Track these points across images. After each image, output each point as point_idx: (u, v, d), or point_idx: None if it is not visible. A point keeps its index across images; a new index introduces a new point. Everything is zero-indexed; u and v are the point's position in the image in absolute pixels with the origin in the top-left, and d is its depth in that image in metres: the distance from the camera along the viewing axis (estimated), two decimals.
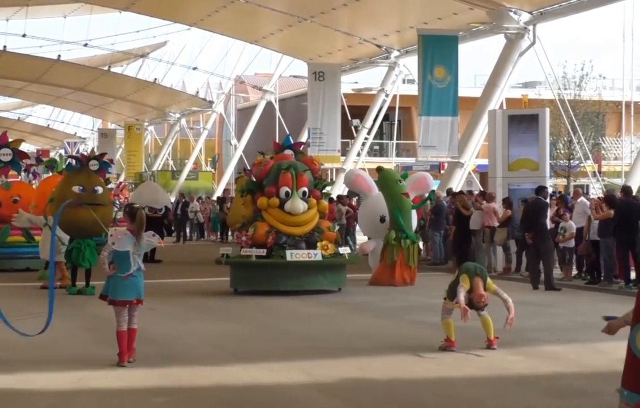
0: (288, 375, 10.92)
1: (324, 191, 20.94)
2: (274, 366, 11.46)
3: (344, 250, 20.40)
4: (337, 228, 21.36)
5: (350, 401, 9.58)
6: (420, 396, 9.85)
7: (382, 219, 22.37)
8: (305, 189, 19.88)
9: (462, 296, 11.98)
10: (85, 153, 23.86)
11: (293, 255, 19.18)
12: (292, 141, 23.08)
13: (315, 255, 19.38)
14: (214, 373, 10.98)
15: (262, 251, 19.27)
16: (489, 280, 12.33)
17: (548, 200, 22.31)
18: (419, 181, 23.76)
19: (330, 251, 19.64)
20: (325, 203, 20.71)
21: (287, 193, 19.63)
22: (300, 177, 19.83)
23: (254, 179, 20.56)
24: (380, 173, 22.38)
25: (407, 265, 21.40)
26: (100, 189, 19.86)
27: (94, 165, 20.46)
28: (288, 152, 21.30)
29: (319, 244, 19.62)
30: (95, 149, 65.87)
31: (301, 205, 19.68)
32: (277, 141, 27.11)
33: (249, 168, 28.74)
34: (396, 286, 20.91)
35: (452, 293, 12.32)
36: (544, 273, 20.62)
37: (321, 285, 19.57)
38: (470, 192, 27.71)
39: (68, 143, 79.29)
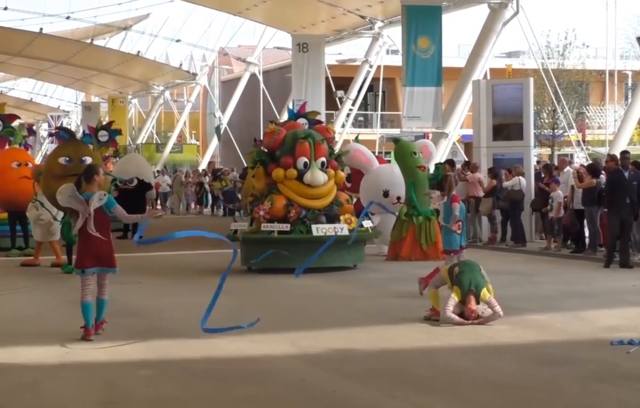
0: (275, 346, 10.94)
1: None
2: (261, 337, 11.47)
3: (367, 224, 19.32)
4: (354, 200, 20.08)
5: (336, 371, 9.61)
6: (406, 366, 9.88)
7: (386, 194, 21.38)
8: (324, 159, 18.73)
9: (452, 314, 11.92)
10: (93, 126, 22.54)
11: (319, 230, 17.94)
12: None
13: (342, 229, 18.18)
14: (201, 346, 10.98)
15: (286, 227, 18.12)
16: (484, 290, 12.01)
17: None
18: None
19: (353, 224, 18.42)
20: (342, 173, 19.48)
21: (305, 164, 18.44)
22: (318, 147, 18.66)
23: (265, 150, 19.20)
24: (397, 145, 21.63)
25: (418, 242, 20.56)
26: (87, 159, 19.09)
27: (103, 136, 20.04)
28: (301, 120, 20.04)
29: (341, 218, 18.60)
30: (79, 123, 65.74)
31: (321, 176, 18.52)
32: (262, 113, 26.58)
33: (260, 138, 27.12)
34: (404, 260, 20.22)
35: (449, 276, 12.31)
36: (622, 249, 18.94)
37: (343, 261, 18.45)
38: (452, 162, 27.65)
39: (51, 116, 78.88)
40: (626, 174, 18.94)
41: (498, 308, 11.99)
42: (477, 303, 12.03)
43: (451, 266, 12.51)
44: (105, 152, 23.87)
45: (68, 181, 17.83)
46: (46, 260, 19.79)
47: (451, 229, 14.92)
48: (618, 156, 20.52)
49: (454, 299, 12.02)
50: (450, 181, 15.65)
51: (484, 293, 12.03)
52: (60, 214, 19.17)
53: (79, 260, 11.47)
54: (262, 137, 27.65)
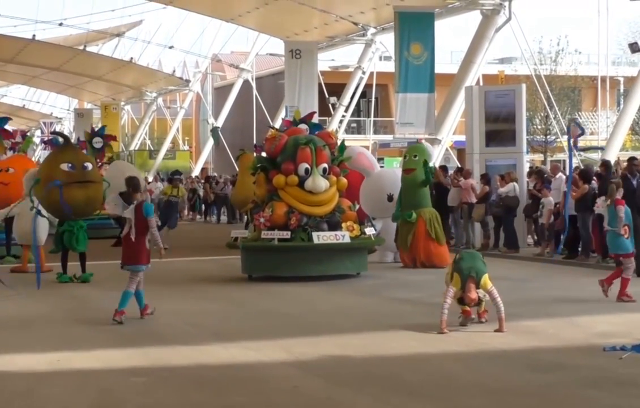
0: (268, 353, 10.93)
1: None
2: (254, 344, 11.47)
3: (370, 231, 18.95)
4: (357, 207, 19.66)
5: (329, 378, 9.61)
6: (399, 372, 9.89)
7: (390, 198, 21.18)
8: (325, 165, 18.35)
9: (445, 310, 11.87)
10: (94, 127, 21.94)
11: (320, 237, 17.70)
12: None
13: (343, 236, 17.93)
14: (194, 353, 10.98)
15: (286, 234, 17.81)
16: (485, 277, 12.01)
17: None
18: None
19: (355, 232, 18.24)
20: (344, 180, 18.97)
21: (306, 170, 18.09)
22: (319, 153, 18.30)
23: (266, 156, 18.85)
24: None
25: (399, 244, 20.69)
26: (89, 166, 18.76)
27: (97, 143, 19.80)
28: (302, 126, 19.57)
29: (343, 225, 18.23)
30: (72, 129, 65.67)
31: (323, 183, 18.14)
32: (255, 119, 26.40)
33: (259, 144, 26.72)
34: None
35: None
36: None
37: (345, 269, 18.21)
38: (445, 167, 27.71)
39: (44, 123, 78.77)
40: (634, 181, 18.43)
41: (499, 300, 12.00)
42: (478, 287, 11.98)
43: (448, 271, 12.45)
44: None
45: (73, 188, 17.88)
46: (51, 266, 19.34)
47: (619, 233, 14.82)
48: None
49: (452, 289, 11.98)
50: (612, 185, 15.56)
51: (485, 280, 12.00)
52: (56, 221, 18.93)
53: (133, 258, 13.29)
54: (255, 143, 27.33)
